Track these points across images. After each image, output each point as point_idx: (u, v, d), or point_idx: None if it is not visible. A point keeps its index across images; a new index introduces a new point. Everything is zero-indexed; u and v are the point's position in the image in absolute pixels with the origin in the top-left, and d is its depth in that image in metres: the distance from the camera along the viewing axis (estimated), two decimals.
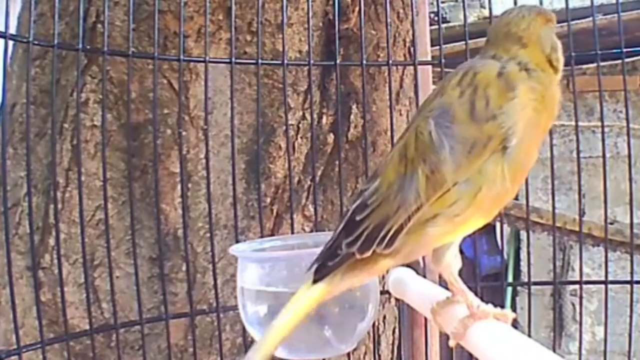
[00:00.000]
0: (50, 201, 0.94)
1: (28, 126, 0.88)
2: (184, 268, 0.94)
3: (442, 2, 2.77)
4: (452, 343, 0.58)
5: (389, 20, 0.98)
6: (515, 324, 0.57)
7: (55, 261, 0.88)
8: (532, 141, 0.55)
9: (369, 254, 0.55)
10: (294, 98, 1.01)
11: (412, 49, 1.04)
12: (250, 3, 0.97)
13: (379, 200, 0.56)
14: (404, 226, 0.54)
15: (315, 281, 0.57)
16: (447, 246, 0.58)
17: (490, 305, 0.57)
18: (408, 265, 0.86)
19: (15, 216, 0.97)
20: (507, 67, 0.56)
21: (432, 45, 1.06)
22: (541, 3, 0.98)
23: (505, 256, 2.89)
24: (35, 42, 0.82)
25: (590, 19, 0.96)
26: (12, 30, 0.91)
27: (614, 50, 0.95)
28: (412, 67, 1.00)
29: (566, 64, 0.62)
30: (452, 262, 0.58)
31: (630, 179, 0.97)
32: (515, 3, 0.97)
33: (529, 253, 1.02)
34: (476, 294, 0.58)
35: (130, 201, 0.90)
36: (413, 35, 1.00)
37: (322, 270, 0.57)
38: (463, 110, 0.55)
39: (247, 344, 0.91)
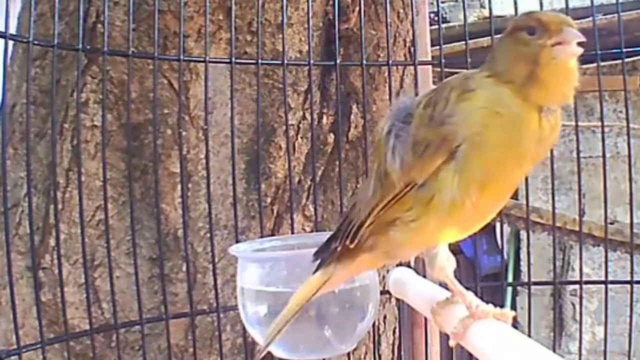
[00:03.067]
0: (50, 201, 0.94)
1: (28, 126, 0.88)
2: (184, 268, 0.94)
3: (442, 2, 2.77)
4: (452, 343, 0.58)
5: (389, 20, 0.98)
6: (515, 324, 0.57)
7: (56, 261, 0.88)
8: (491, 153, 0.52)
9: (340, 247, 0.59)
10: (294, 98, 1.01)
11: (412, 49, 1.04)
12: (250, 3, 0.97)
13: (355, 199, 0.60)
14: (363, 224, 0.57)
15: (315, 271, 0.62)
16: (436, 250, 0.58)
17: (490, 305, 0.57)
18: (408, 265, 0.86)
19: (16, 216, 0.97)
20: (477, 74, 0.55)
21: (432, 45, 1.06)
22: (541, 4, 0.98)
23: (505, 256, 2.89)
24: (35, 42, 0.82)
25: (590, 19, 0.95)
26: (12, 30, 0.91)
27: (614, 50, 0.95)
28: (412, 67, 1.00)
29: None
30: (446, 265, 0.58)
31: (630, 179, 0.97)
32: (515, 4, 0.97)
33: (529, 253, 1.02)
34: (476, 294, 0.58)
35: (131, 201, 0.90)
36: (413, 35, 1.00)
37: (321, 261, 0.62)
38: (425, 111, 0.54)
39: (248, 344, 0.91)
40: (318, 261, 0.62)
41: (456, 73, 0.61)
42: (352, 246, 0.58)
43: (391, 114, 0.57)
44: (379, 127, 0.58)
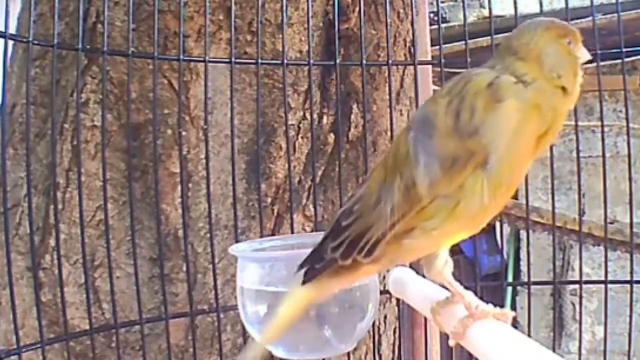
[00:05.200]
0: (50, 202, 0.94)
1: (28, 127, 0.88)
2: (184, 268, 0.94)
3: (442, 2, 2.77)
4: (452, 343, 0.58)
5: (389, 20, 0.98)
6: (515, 324, 0.57)
7: (56, 262, 0.88)
8: (518, 156, 0.52)
9: (349, 261, 0.56)
10: (295, 98, 1.01)
11: (412, 49, 1.04)
12: (251, 3, 0.97)
13: (363, 208, 0.56)
14: (382, 238, 0.54)
15: (304, 283, 0.58)
16: (435, 254, 0.57)
17: (490, 305, 0.57)
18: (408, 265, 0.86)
19: (16, 217, 0.97)
20: (500, 78, 0.54)
21: (432, 45, 1.06)
22: (541, 4, 0.98)
23: (505, 256, 2.89)
24: (35, 42, 0.82)
25: (590, 19, 0.96)
26: (12, 30, 0.90)
27: (614, 50, 0.95)
28: (412, 67, 1.00)
29: None
30: (443, 269, 0.57)
31: (630, 179, 0.97)
32: (515, 3, 0.97)
33: (529, 253, 1.02)
34: (476, 294, 0.58)
35: (131, 202, 0.90)
36: (413, 35, 1.00)
37: (310, 272, 0.58)
38: (448, 121, 0.53)
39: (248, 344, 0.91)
40: (305, 269, 0.58)
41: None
42: (366, 262, 0.55)
43: (413, 125, 0.55)
44: (399, 137, 0.55)
